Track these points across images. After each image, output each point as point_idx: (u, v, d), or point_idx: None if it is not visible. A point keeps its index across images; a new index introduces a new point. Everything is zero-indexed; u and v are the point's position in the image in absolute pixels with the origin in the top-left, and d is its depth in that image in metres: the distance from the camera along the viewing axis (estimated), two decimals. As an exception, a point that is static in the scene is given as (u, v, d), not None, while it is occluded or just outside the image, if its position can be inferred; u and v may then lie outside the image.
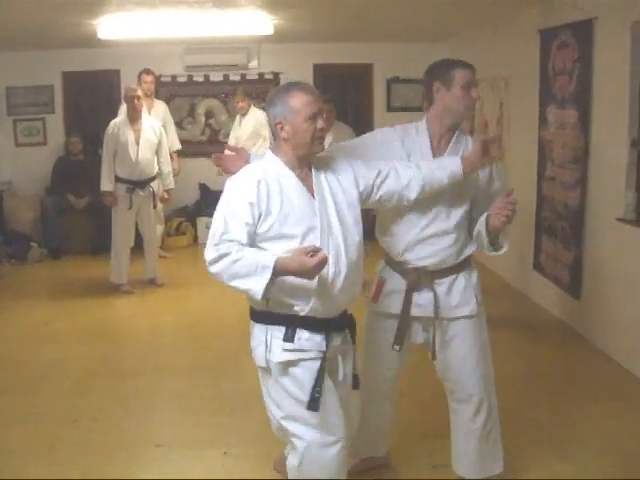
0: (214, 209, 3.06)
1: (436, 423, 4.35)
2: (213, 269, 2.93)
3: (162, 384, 5.29)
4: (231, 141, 9.04)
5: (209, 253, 2.94)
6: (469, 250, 3.55)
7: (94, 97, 10.56)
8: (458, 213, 3.45)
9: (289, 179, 3.00)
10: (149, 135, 7.62)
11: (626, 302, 5.44)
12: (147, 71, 8.93)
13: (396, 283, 3.57)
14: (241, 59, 10.26)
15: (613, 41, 5.53)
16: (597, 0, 5.71)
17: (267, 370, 3.07)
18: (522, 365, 5.60)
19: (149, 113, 8.65)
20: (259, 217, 2.93)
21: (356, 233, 3.11)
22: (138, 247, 7.95)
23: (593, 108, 5.86)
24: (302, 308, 2.98)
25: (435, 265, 3.49)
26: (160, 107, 9.13)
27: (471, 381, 3.60)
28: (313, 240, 2.95)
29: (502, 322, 6.60)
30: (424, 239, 3.46)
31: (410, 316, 3.55)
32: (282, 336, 3.00)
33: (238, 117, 9.24)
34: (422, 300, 3.53)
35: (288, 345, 2.99)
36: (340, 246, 3.03)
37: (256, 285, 2.86)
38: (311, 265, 2.80)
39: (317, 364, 3.01)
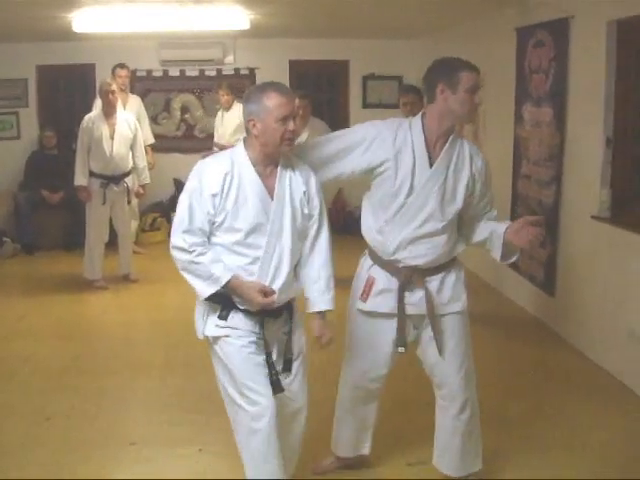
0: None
1: (411, 421, 4.37)
2: (174, 253, 3.16)
3: (136, 381, 5.25)
4: (216, 137, 8.97)
5: (175, 239, 3.15)
6: (460, 248, 3.60)
7: (69, 91, 10.47)
8: (451, 213, 3.45)
9: (249, 176, 3.14)
10: (124, 130, 7.56)
11: (600, 300, 5.47)
12: (121, 65, 8.86)
13: (386, 282, 3.56)
14: (217, 54, 10.22)
15: (589, 40, 5.56)
16: (573, -1, 5.75)
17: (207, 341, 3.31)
18: (496, 362, 5.62)
19: (124, 108, 8.58)
20: (218, 208, 3.13)
21: (297, 241, 3.27)
22: (112, 243, 7.89)
23: (569, 106, 5.90)
24: (241, 302, 3.20)
25: (428, 264, 3.50)
26: (134, 101, 9.07)
27: (457, 378, 3.61)
28: (256, 238, 3.15)
29: (477, 319, 6.52)
30: (417, 238, 3.44)
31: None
32: (217, 314, 3.23)
33: (220, 112, 9.12)
34: (414, 298, 3.53)
35: (221, 322, 3.23)
36: (284, 251, 3.21)
37: (203, 289, 3.16)
38: (257, 302, 3.13)
39: (248, 344, 3.22)
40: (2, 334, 6.31)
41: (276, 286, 3.19)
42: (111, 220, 7.82)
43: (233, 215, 3.11)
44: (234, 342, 3.21)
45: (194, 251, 3.11)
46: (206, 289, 3.13)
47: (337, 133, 3.63)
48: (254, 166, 3.16)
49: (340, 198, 9.99)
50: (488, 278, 7.74)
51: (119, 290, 7.70)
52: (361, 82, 10.68)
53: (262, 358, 3.24)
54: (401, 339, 3.54)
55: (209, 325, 3.27)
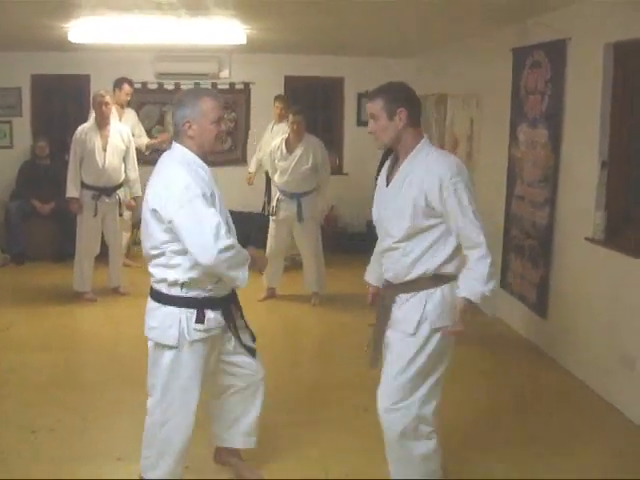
0: None
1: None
2: (223, 256, 3.32)
3: (124, 395, 5.17)
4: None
5: (221, 242, 3.30)
6: (420, 268, 3.48)
7: (63, 101, 10.43)
8: (402, 230, 3.47)
9: (207, 171, 3.51)
10: (117, 142, 7.53)
11: (592, 322, 5.46)
12: (130, 82, 8.84)
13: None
14: (212, 68, 10.21)
15: (586, 62, 5.57)
16: (571, 21, 5.75)
17: (169, 348, 3.54)
18: (486, 382, 5.60)
19: (120, 121, 8.58)
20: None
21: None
22: (103, 255, 7.83)
23: (564, 128, 5.90)
24: (211, 287, 3.50)
25: (393, 278, 3.59)
26: (130, 114, 9.05)
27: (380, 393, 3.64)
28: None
29: (467, 339, 6.54)
30: (383, 251, 3.64)
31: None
32: (194, 318, 3.48)
33: (271, 124, 9.13)
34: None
35: (199, 326, 3.49)
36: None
37: (244, 274, 3.46)
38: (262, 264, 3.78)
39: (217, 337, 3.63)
40: (-11, 344, 6.25)
41: None
42: (102, 232, 7.75)
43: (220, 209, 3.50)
44: (212, 341, 3.62)
45: (234, 243, 3.41)
46: (245, 273, 3.47)
47: None
48: None
49: (332, 215, 9.96)
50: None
51: (108, 303, 7.63)
52: (356, 99, 10.68)
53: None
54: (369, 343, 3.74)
55: (190, 331, 3.50)
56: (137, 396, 5.12)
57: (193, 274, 3.43)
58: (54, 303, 7.50)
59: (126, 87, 8.77)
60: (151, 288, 3.62)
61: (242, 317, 3.79)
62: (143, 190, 7.81)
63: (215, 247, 3.28)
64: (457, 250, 3.49)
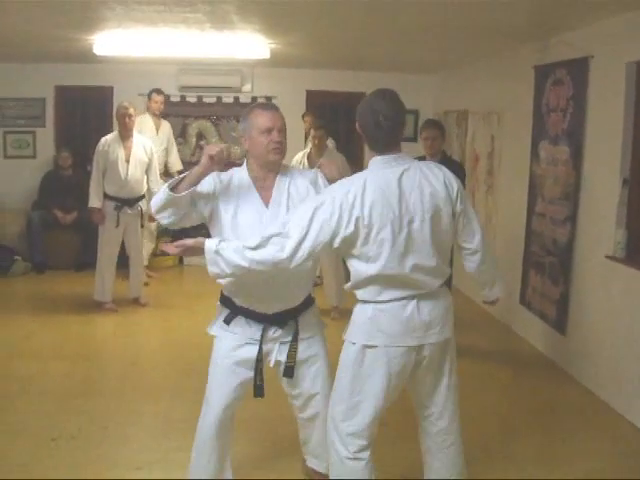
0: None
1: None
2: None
3: (144, 405, 5.22)
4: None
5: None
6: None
7: (86, 112, 10.52)
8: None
9: (248, 187, 3.53)
10: (140, 154, 7.59)
11: (612, 340, 5.44)
12: (158, 91, 9.01)
13: None
14: (235, 82, 10.27)
15: (608, 80, 5.58)
16: (593, 39, 5.76)
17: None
18: (504, 399, 5.59)
19: (157, 132, 8.69)
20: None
21: None
22: (124, 265, 7.89)
23: (585, 146, 5.89)
24: (240, 301, 3.57)
25: None
26: (166, 126, 9.17)
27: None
28: None
29: (486, 355, 6.60)
30: None
31: None
32: (224, 318, 3.62)
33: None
34: None
35: (225, 326, 3.62)
36: None
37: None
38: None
39: (245, 347, 3.60)
40: (9, 352, 6.31)
41: (272, 291, 3.51)
42: (123, 243, 7.81)
43: (232, 227, 3.50)
44: (226, 345, 3.64)
45: None
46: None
47: None
48: (254, 179, 3.55)
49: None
50: (499, 315, 7.70)
51: (128, 313, 7.66)
52: (377, 115, 10.69)
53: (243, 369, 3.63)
54: None
55: (216, 325, 3.68)
56: (157, 406, 5.22)
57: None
58: (74, 312, 7.55)
59: (154, 96, 8.91)
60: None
61: (292, 340, 3.67)
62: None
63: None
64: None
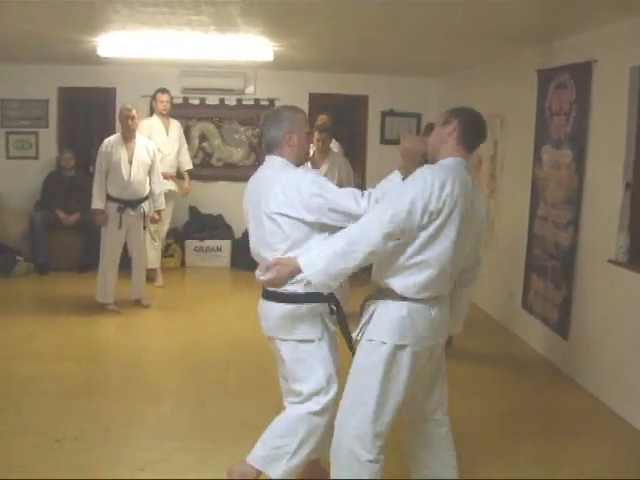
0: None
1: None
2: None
3: (147, 406, 5.22)
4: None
5: (364, 200, 3.51)
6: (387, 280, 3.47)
7: (89, 114, 10.54)
8: None
9: None
10: (142, 155, 7.60)
11: (614, 344, 5.44)
12: (163, 90, 9.00)
13: None
14: (238, 84, 10.28)
15: (611, 84, 5.59)
16: (596, 44, 5.77)
17: (310, 342, 3.66)
18: (505, 402, 5.58)
19: (166, 133, 8.67)
20: None
21: None
22: (126, 267, 7.89)
23: (588, 149, 5.90)
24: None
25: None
26: (175, 126, 9.16)
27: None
28: None
29: (488, 359, 6.61)
30: None
31: None
32: (329, 311, 3.69)
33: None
34: None
35: (333, 317, 3.72)
36: None
37: None
38: None
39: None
40: (11, 353, 6.31)
41: None
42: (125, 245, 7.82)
43: None
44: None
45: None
46: None
47: None
48: None
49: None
50: (501, 318, 7.72)
51: (130, 315, 7.66)
52: (380, 118, 10.72)
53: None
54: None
55: (329, 323, 3.73)
56: (160, 407, 5.22)
57: None
58: (77, 313, 7.55)
59: (159, 96, 8.92)
60: (274, 292, 3.62)
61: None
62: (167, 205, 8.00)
63: (365, 204, 3.47)
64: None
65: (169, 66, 9.64)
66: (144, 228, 7.87)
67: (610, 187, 5.56)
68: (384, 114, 10.68)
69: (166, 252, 9.86)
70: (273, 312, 3.66)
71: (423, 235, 3.27)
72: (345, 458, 3.44)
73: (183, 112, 10.31)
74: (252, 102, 10.45)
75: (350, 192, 3.55)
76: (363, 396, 3.41)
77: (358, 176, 9.61)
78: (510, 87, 7.63)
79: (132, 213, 7.61)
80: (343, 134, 10.49)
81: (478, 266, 3.71)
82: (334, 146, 8.78)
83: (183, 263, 10.07)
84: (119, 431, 4.78)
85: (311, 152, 7.64)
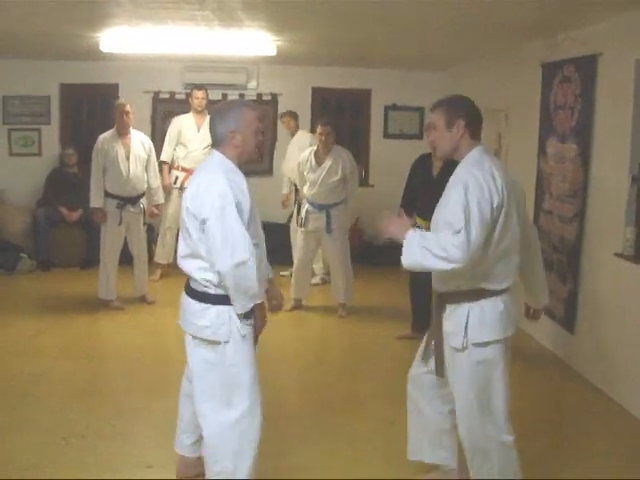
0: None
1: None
2: (236, 271, 3.43)
3: (153, 403, 5.20)
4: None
5: (237, 256, 3.42)
6: (470, 282, 3.54)
7: (91, 110, 10.50)
8: None
9: (243, 179, 3.63)
10: (139, 150, 7.58)
11: (621, 338, 5.43)
12: (198, 87, 8.97)
13: None
14: (240, 79, 10.26)
15: (616, 77, 5.56)
16: (601, 37, 5.74)
17: (217, 344, 3.62)
18: (512, 396, 5.53)
19: (197, 129, 8.75)
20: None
21: None
22: (129, 263, 7.87)
23: (594, 143, 5.88)
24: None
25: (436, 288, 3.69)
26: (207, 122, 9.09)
27: (457, 413, 3.70)
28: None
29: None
30: None
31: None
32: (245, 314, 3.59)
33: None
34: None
35: (249, 321, 3.62)
36: None
37: (242, 304, 3.56)
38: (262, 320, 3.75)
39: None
40: (16, 351, 6.29)
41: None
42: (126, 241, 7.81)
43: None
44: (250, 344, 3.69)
45: (249, 255, 3.46)
46: (246, 305, 3.55)
47: None
48: None
49: (357, 227, 9.95)
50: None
51: (135, 311, 7.65)
52: (383, 112, 10.70)
53: None
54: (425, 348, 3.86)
55: (239, 325, 3.60)
56: (167, 403, 5.17)
57: None
58: (81, 311, 7.54)
59: (195, 92, 8.92)
60: (193, 290, 3.68)
61: None
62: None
63: (231, 260, 3.38)
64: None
65: (172, 61, 9.62)
66: (144, 224, 7.85)
67: (616, 180, 5.54)
68: (387, 108, 10.66)
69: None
70: (189, 307, 3.74)
71: (498, 228, 3.41)
72: (493, 451, 3.64)
73: (186, 108, 10.21)
74: (255, 97, 10.41)
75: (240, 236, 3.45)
76: (491, 394, 3.60)
77: (361, 170, 9.59)
78: (514, 80, 7.60)
79: (132, 209, 7.59)
80: (345, 127, 10.52)
81: (536, 237, 3.96)
82: (304, 136, 8.88)
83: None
84: (125, 428, 4.78)
85: (315, 147, 7.64)
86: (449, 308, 3.61)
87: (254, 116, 3.66)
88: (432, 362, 3.77)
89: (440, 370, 3.70)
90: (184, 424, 4.10)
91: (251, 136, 3.64)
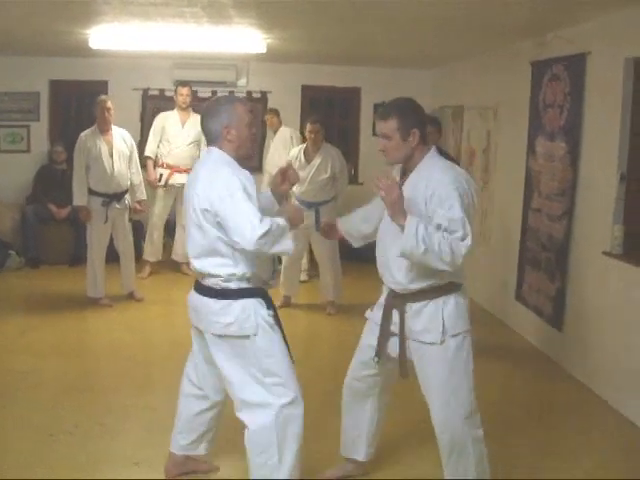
0: None
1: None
2: (262, 240, 3.37)
3: (140, 400, 5.20)
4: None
5: (259, 228, 3.35)
6: (448, 277, 3.61)
7: (80, 107, 10.44)
8: None
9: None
10: (121, 146, 7.54)
11: (609, 336, 5.45)
12: (183, 84, 8.96)
13: (383, 297, 3.86)
14: (230, 76, 10.24)
15: (605, 76, 5.58)
16: (591, 35, 5.76)
17: (246, 339, 3.57)
18: (499, 394, 5.58)
19: (182, 126, 8.72)
20: None
21: None
22: (116, 261, 7.85)
23: (583, 141, 5.90)
24: (269, 279, 3.76)
25: (397, 289, 3.70)
26: (196, 119, 9.07)
27: (435, 408, 3.70)
28: None
29: (481, 351, 6.50)
30: (386, 262, 3.71)
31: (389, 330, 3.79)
32: (265, 306, 3.62)
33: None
34: (395, 318, 3.74)
35: (271, 312, 3.63)
36: None
37: (288, 244, 3.52)
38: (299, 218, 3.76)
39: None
40: (4, 348, 6.27)
41: None
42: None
43: None
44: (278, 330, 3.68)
45: (270, 225, 3.39)
46: (289, 242, 3.54)
47: None
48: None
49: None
50: (494, 310, 7.72)
51: (123, 309, 7.63)
52: (372, 110, 10.68)
53: None
54: (377, 351, 3.82)
55: (266, 318, 3.61)
56: (153, 401, 5.20)
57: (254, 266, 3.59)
58: (70, 308, 7.52)
59: (179, 89, 8.91)
60: (210, 288, 3.66)
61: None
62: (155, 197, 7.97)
63: (254, 235, 3.35)
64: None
65: (161, 58, 9.59)
66: (129, 220, 7.84)
67: (604, 179, 5.56)
68: (377, 106, 10.62)
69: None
70: (207, 307, 3.70)
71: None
72: (469, 446, 3.66)
73: (175, 104, 10.25)
74: (244, 94, 10.39)
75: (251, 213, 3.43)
76: (463, 384, 3.66)
77: (350, 168, 9.60)
78: (504, 79, 7.62)
79: (117, 206, 7.55)
80: (335, 126, 10.51)
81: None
82: (285, 131, 8.90)
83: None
84: (113, 425, 4.77)
85: (304, 144, 7.64)
86: (414, 306, 3.64)
87: (246, 110, 3.64)
88: (389, 364, 3.84)
89: (404, 371, 3.75)
90: (182, 424, 4.06)
91: (245, 130, 3.61)
